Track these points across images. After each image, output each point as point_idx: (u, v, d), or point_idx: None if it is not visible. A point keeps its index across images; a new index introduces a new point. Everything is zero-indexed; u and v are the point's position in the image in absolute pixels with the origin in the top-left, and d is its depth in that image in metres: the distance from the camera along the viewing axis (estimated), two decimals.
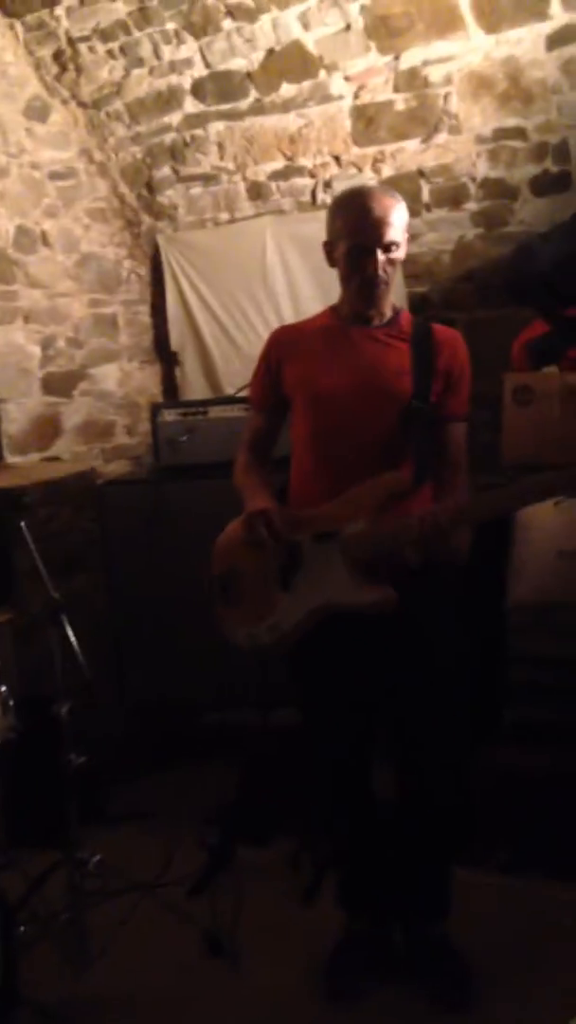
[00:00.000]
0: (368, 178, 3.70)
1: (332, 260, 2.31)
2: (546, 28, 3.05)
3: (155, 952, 2.62)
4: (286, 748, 2.95)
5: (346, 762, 2.44)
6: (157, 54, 3.68)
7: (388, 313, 2.33)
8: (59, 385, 4.10)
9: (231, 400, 3.63)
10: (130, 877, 2.92)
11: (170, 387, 4.52)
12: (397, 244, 2.22)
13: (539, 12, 3.01)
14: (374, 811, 2.49)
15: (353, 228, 2.20)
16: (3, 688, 2.70)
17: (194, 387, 4.39)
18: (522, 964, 2.43)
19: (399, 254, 2.25)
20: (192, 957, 2.58)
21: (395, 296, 2.43)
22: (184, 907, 2.79)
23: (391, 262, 2.23)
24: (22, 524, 2.68)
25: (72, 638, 2.65)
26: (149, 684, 3.51)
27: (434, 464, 2.30)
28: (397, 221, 2.20)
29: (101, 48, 3.74)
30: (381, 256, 2.20)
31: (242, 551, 2.35)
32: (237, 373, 4.13)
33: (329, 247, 2.30)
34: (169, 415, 3.61)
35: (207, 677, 3.39)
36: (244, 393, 3.26)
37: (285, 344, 2.41)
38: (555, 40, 3.07)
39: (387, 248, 2.20)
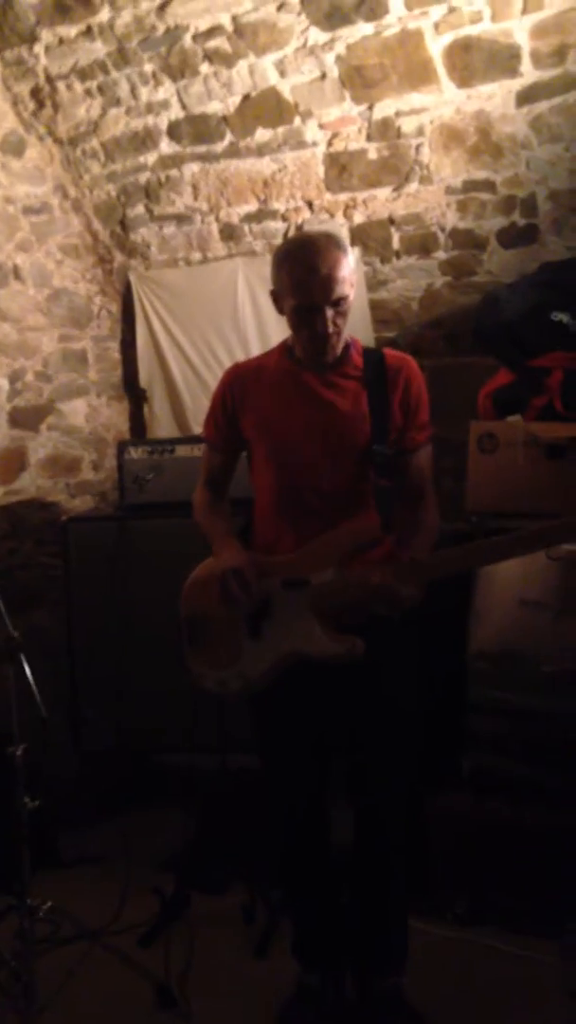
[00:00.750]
0: (339, 224, 3.73)
1: (280, 310, 2.27)
2: (516, 85, 3.11)
3: (105, 1003, 2.57)
4: (242, 794, 2.93)
5: (304, 808, 2.42)
6: (134, 94, 3.71)
7: (340, 350, 2.29)
8: (26, 419, 4.08)
9: (198, 439, 3.61)
10: (81, 924, 2.87)
11: (138, 424, 4.51)
12: (345, 298, 2.18)
13: (510, 69, 3.07)
14: (330, 859, 2.46)
15: (299, 287, 2.15)
16: None
17: (162, 425, 4.38)
18: (477, 1019, 2.41)
19: (348, 306, 2.21)
20: (142, 1009, 2.52)
21: (362, 340, 2.42)
22: (136, 956, 2.74)
23: (340, 315, 2.20)
24: None
25: (30, 678, 2.61)
26: (105, 725, 3.46)
27: (399, 509, 2.29)
28: (344, 274, 2.16)
29: (79, 86, 3.76)
30: (330, 312, 2.17)
31: (211, 596, 2.34)
32: (205, 411, 4.10)
33: (276, 297, 2.27)
34: (136, 452, 3.60)
35: (164, 720, 3.34)
36: None
37: (240, 386, 2.39)
38: (525, 97, 3.13)
39: (335, 304, 2.17)
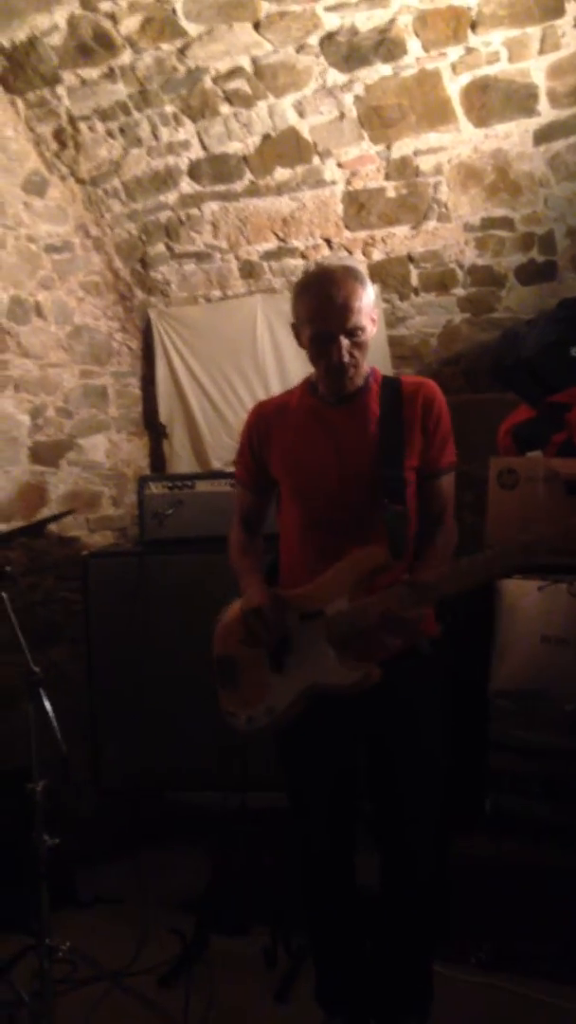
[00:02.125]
0: (359, 261, 3.74)
1: (300, 342, 2.30)
2: (534, 124, 3.14)
3: None
4: (263, 833, 2.90)
5: (329, 851, 2.39)
6: (155, 135, 3.76)
7: (360, 383, 2.29)
8: (47, 454, 4.10)
9: (218, 475, 3.63)
10: (100, 965, 2.84)
11: (158, 459, 4.53)
12: (362, 329, 2.19)
13: (527, 108, 3.10)
14: (356, 902, 2.43)
15: (316, 315, 2.18)
16: None
17: (182, 460, 4.40)
18: None
19: (365, 337, 2.21)
20: None
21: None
22: (154, 998, 2.71)
23: (357, 346, 2.20)
24: (3, 595, 2.64)
25: (51, 713, 2.60)
26: (124, 762, 3.44)
27: (409, 531, 2.27)
28: (361, 305, 2.17)
29: (101, 127, 3.82)
30: (345, 342, 2.17)
31: (237, 637, 2.34)
32: (225, 447, 4.15)
33: (295, 330, 2.30)
34: (156, 488, 3.61)
35: (184, 757, 3.33)
36: (231, 468, 3.27)
37: (264, 425, 2.40)
38: (542, 135, 3.15)
39: (351, 333, 2.17)
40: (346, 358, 2.19)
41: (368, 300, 2.20)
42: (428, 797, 2.28)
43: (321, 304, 2.17)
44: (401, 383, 2.33)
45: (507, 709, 2.92)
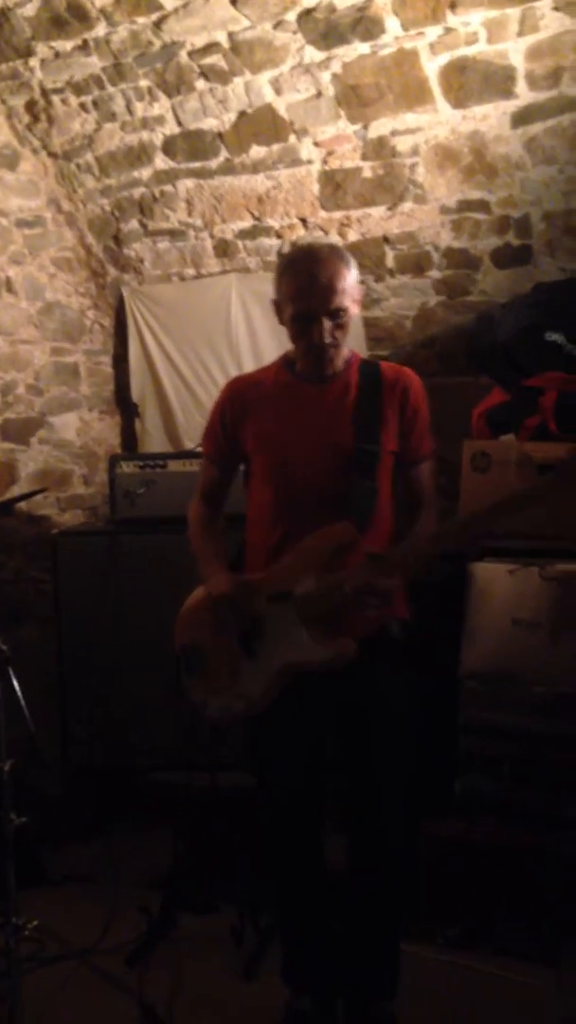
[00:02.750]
0: (334, 242, 3.73)
1: (281, 320, 2.29)
2: (511, 106, 3.12)
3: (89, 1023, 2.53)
4: (232, 813, 2.90)
5: (299, 831, 2.40)
6: (130, 110, 3.71)
7: (341, 365, 2.30)
8: (17, 432, 4.06)
9: (190, 455, 3.61)
10: (67, 943, 2.83)
11: (129, 439, 4.49)
12: (345, 310, 2.19)
13: (505, 90, 3.08)
14: (324, 880, 2.44)
15: (299, 294, 2.17)
16: None
17: (154, 440, 4.37)
18: None
19: (348, 319, 2.21)
20: None
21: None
22: (121, 976, 2.71)
23: (340, 327, 2.21)
24: None
25: (19, 693, 2.59)
26: (94, 742, 3.43)
27: (377, 505, 2.27)
28: (344, 286, 2.17)
29: (74, 101, 3.76)
30: (328, 323, 2.17)
31: (204, 624, 2.33)
32: (197, 427, 4.10)
33: (277, 307, 2.28)
34: (127, 467, 3.58)
35: (153, 737, 3.33)
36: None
37: (240, 399, 2.38)
38: (519, 118, 3.14)
39: (334, 315, 2.18)
40: (327, 339, 2.19)
41: (352, 281, 2.20)
42: (399, 770, 2.29)
43: (305, 283, 2.16)
44: (380, 368, 2.33)
45: (477, 692, 2.93)
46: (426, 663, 2.57)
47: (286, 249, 3.89)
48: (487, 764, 2.88)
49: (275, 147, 3.60)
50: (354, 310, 2.23)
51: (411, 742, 2.34)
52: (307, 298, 2.16)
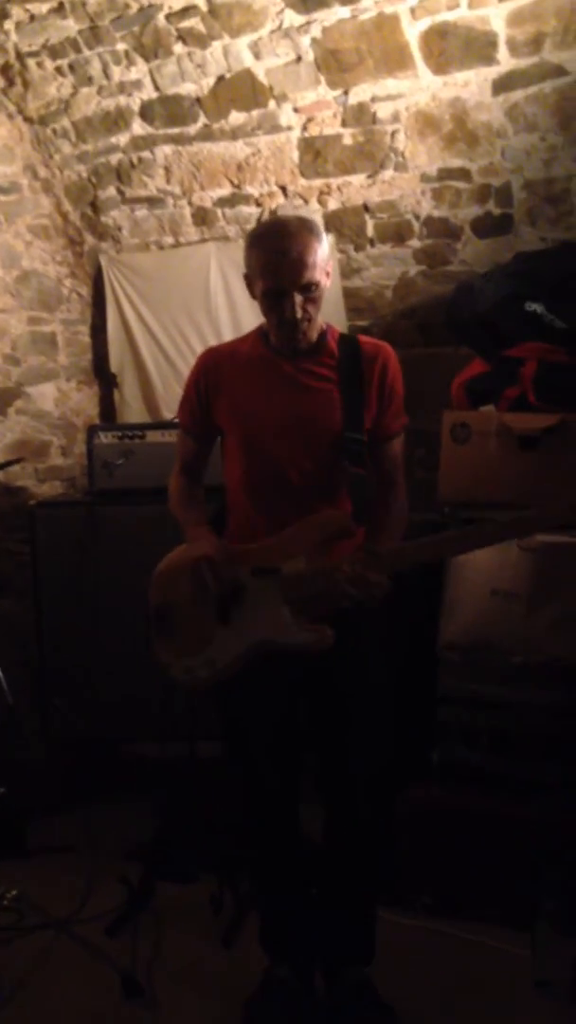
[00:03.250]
0: (314, 210, 3.70)
1: (252, 294, 2.26)
2: (492, 73, 3.09)
3: (70, 993, 2.54)
4: (212, 783, 2.91)
5: (275, 801, 2.40)
6: (107, 74, 3.65)
7: (315, 338, 2.28)
8: None
9: (169, 425, 3.59)
10: (47, 913, 2.84)
11: (108, 409, 4.46)
12: (316, 284, 2.16)
13: (486, 56, 3.05)
14: (300, 848, 2.45)
15: (268, 269, 2.13)
16: None
17: (132, 410, 4.34)
18: (446, 1009, 2.41)
19: (319, 293, 2.19)
20: (108, 998, 2.50)
21: (337, 327, 2.41)
22: (102, 946, 2.72)
23: (311, 301, 2.18)
24: None
25: None
26: (73, 713, 3.43)
27: (372, 500, 2.28)
28: (315, 260, 2.13)
29: (50, 64, 3.69)
30: (299, 298, 2.14)
31: (181, 585, 2.31)
32: (176, 397, 4.01)
33: (248, 280, 2.25)
34: (105, 438, 3.56)
35: (134, 708, 3.33)
36: None
37: (214, 371, 2.36)
38: (501, 85, 3.11)
39: (304, 289, 2.14)
40: (299, 314, 2.16)
41: (323, 254, 2.16)
42: (375, 738, 2.30)
43: (274, 258, 2.12)
44: (360, 343, 2.31)
45: (456, 662, 2.95)
46: (405, 634, 2.58)
47: (266, 217, 3.85)
48: (465, 733, 2.90)
49: (254, 113, 3.56)
50: (326, 283, 2.20)
51: (388, 710, 2.35)
52: (277, 274, 2.12)
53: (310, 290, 2.15)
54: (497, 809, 2.77)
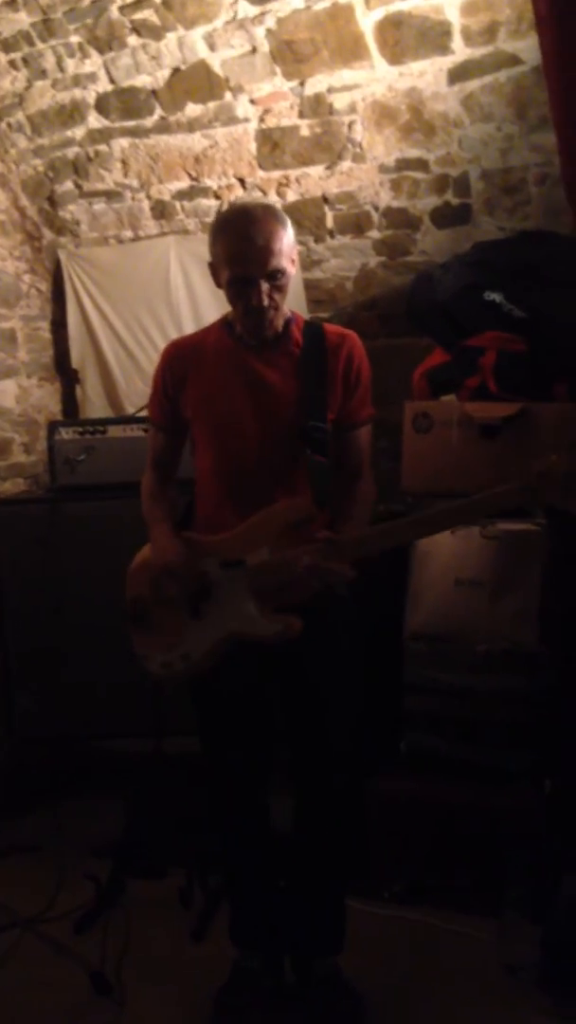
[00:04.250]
0: (273, 202, 3.69)
1: (217, 283, 2.24)
2: (447, 62, 3.10)
3: (39, 990, 2.52)
4: (180, 778, 2.91)
5: (244, 788, 2.40)
6: (61, 67, 3.62)
7: (280, 327, 2.27)
8: None
9: (130, 419, 3.56)
10: (14, 912, 2.82)
11: (70, 405, 4.43)
12: (283, 271, 2.15)
13: (441, 46, 3.06)
14: (270, 840, 2.45)
15: (235, 257, 2.13)
16: None
17: (95, 406, 4.31)
18: (416, 997, 2.42)
19: (285, 280, 2.18)
20: (77, 996, 2.48)
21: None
22: (70, 944, 2.70)
23: (278, 289, 2.17)
24: None
25: None
26: (39, 711, 3.40)
27: (332, 486, 2.28)
28: (282, 247, 2.13)
29: (3, 58, 3.66)
30: (265, 285, 2.14)
31: (152, 580, 2.31)
32: (138, 392, 4.07)
33: (213, 270, 2.24)
34: (66, 433, 3.52)
35: (99, 705, 3.31)
36: (144, 413, 3.21)
37: (179, 363, 2.35)
38: (456, 75, 3.12)
39: (271, 276, 2.14)
40: (266, 301, 2.15)
41: (289, 241, 2.16)
42: (345, 727, 2.30)
43: (240, 246, 2.11)
44: (324, 331, 2.31)
45: (422, 652, 2.95)
46: (371, 625, 2.59)
47: (225, 210, 3.83)
48: (431, 722, 2.91)
49: (211, 105, 3.54)
50: (291, 270, 2.20)
51: (358, 697, 2.35)
52: (243, 261, 2.12)
53: (276, 277, 2.15)
54: (464, 796, 2.79)
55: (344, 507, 2.29)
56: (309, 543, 2.14)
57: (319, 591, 2.15)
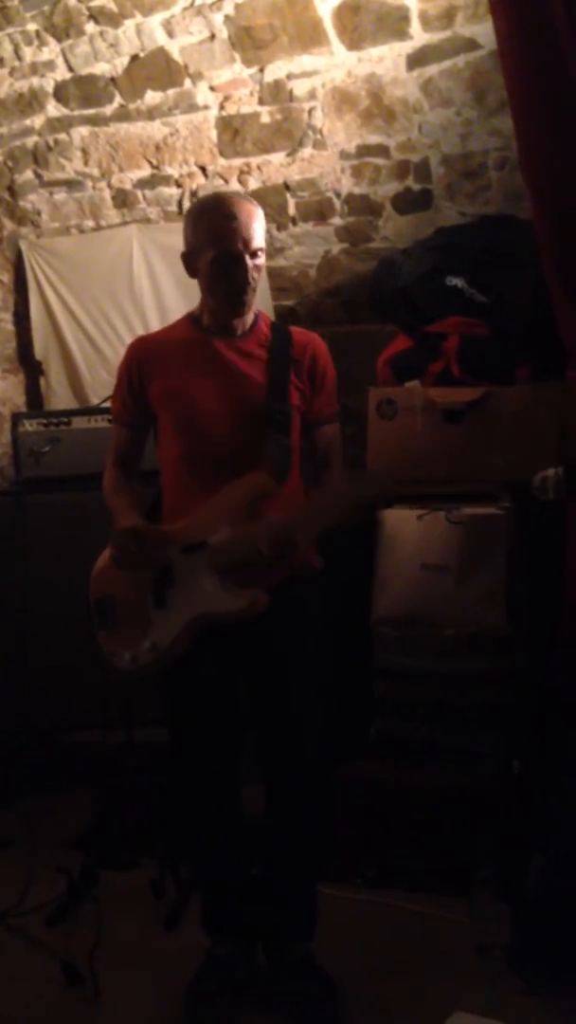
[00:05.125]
0: (235, 189, 3.68)
1: (193, 270, 2.26)
2: (406, 48, 3.11)
3: (11, 984, 2.51)
4: (150, 768, 2.90)
5: (215, 776, 2.40)
6: (18, 55, 3.59)
7: (251, 320, 2.31)
8: None
9: (95, 411, 3.55)
10: None
11: (35, 397, 4.39)
12: (263, 249, 2.22)
13: (399, 31, 3.06)
14: (241, 828, 2.45)
15: (219, 236, 2.16)
16: None
17: (59, 397, 4.28)
18: (387, 980, 2.43)
19: (263, 259, 2.25)
20: (50, 989, 2.47)
21: (261, 308, 2.42)
22: (42, 937, 2.69)
23: (257, 268, 2.23)
24: None
25: None
26: (7, 705, 3.38)
27: (292, 461, 2.29)
28: (260, 227, 2.20)
29: None
30: (249, 263, 2.18)
31: (117, 575, 2.30)
32: (103, 383, 4.05)
33: (190, 257, 2.25)
34: (30, 425, 3.50)
35: (68, 697, 3.29)
36: (108, 404, 3.19)
37: (146, 359, 2.35)
38: (415, 60, 3.12)
39: (254, 254, 2.19)
40: (250, 279, 2.20)
41: (263, 222, 2.23)
42: (314, 710, 2.31)
43: (225, 224, 2.16)
44: (291, 333, 2.36)
45: (389, 636, 2.97)
46: (339, 611, 2.59)
47: (187, 198, 3.82)
48: (401, 707, 2.92)
49: (170, 92, 3.53)
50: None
51: (326, 678, 2.36)
52: (230, 238, 2.16)
53: (258, 255, 2.21)
54: (433, 779, 2.80)
55: (314, 495, 2.32)
56: (268, 518, 2.16)
57: (284, 575, 2.16)
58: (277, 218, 3.74)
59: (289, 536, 2.11)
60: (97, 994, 2.43)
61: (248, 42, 3.24)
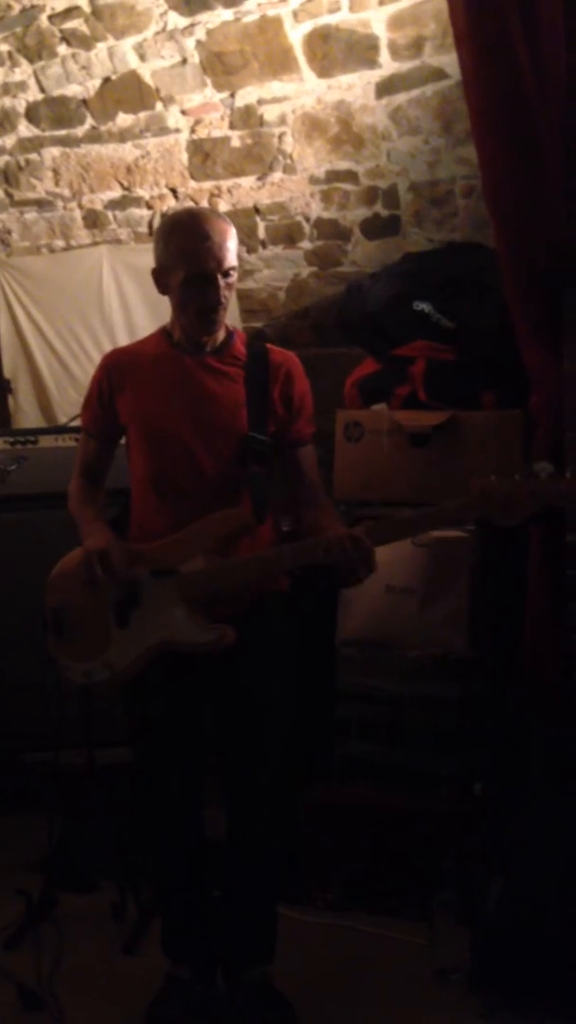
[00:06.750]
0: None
1: (164, 287, 2.25)
2: (375, 76, 3.15)
3: None
4: (111, 790, 2.88)
5: (177, 797, 2.39)
6: None
7: (222, 336, 2.30)
8: None
9: (62, 429, 3.54)
10: None
11: (2, 415, 4.38)
12: (235, 268, 2.20)
13: (369, 60, 3.11)
14: (204, 851, 2.44)
15: (192, 256, 2.14)
16: None
17: (28, 416, 4.28)
18: (348, 1003, 2.42)
19: (235, 278, 2.23)
20: (7, 1013, 2.44)
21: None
22: (1, 960, 2.66)
23: (229, 287, 2.21)
24: None
25: None
26: None
27: (271, 499, 2.29)
28: (233, 245, 2.18)
29: None
30: (221, 282, 2.17)
31: (78, 584, 2.29)
32: (71, 402, 4.05)
33: (161, 275, 2.24)
34: None
35: (29, 717, 3.26)
36: (76, 423, 3.19)
37: (117, 371, 2.35)
38: (384, 88, 3.17)
39: (227, 274, 2.18)
40: (222, 299, 2.18)
41: (236, 240, 2.21)
42: (278, 733, 2.30)
43: (198, 243, 2.13)
44: (268, 351, 2.34)
45: (353, 658, 2.97)
46: (305, 632, 2.60)
47: (157, 220, 3.84)
48: (364, 728, 2.92)
49: (142, 115, 3.56)
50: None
51: (292, 705, 2.35)
52: (202, 258, 2.13)
53: (229, 274, 2.19)
54: (395, 802, 2.80)
55: (317, 514, 2.32)
56: (245, 553, 2.16)
57: (252, 601, 2.16)
58: (247, 241, 3.77)
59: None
60: (57, 1018, 2.40)
61: (219, 67, 3.28)
